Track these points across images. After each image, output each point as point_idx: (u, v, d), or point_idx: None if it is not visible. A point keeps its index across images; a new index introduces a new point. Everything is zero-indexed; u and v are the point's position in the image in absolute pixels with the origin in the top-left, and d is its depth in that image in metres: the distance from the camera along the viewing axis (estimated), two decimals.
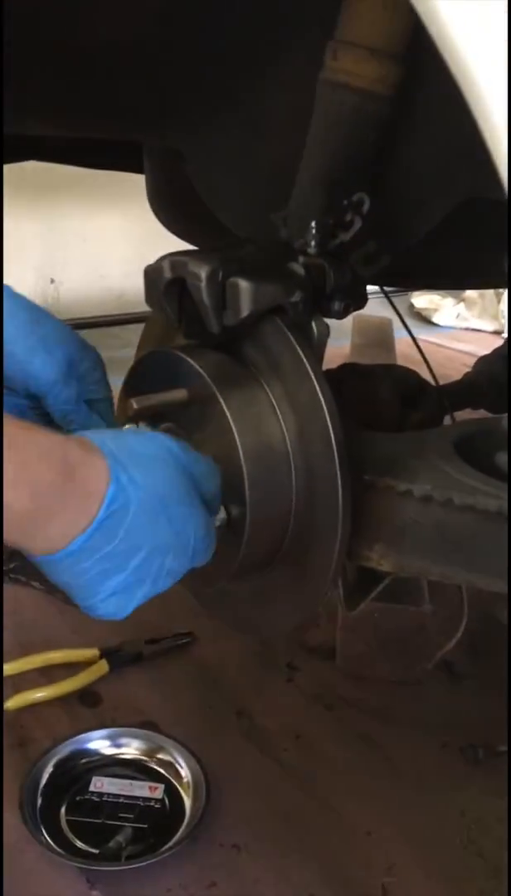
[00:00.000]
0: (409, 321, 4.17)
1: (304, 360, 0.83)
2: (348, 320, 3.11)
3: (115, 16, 1.05)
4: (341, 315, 0.93)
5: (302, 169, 1.02)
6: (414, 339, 1.30)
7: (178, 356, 0.87)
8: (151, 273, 0.90)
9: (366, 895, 1.04)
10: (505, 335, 3.48)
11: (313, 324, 0.87)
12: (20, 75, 1.13)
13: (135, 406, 0.83)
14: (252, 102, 1.11)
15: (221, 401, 0.83)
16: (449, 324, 3.73)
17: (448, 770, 1.23)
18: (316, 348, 0.87)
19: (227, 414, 0.83)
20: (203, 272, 0.83)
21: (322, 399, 0.82)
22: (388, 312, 3.18)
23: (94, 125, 1.23)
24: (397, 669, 1.37)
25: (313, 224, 0.91)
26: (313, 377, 0.82)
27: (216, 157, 1.17)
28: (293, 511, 0.88)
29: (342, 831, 1.13)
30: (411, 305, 3.89)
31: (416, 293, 3.89)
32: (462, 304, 3.75)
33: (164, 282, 0.88)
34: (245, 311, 0.82)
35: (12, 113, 1.22)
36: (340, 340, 3.02)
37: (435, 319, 3.76)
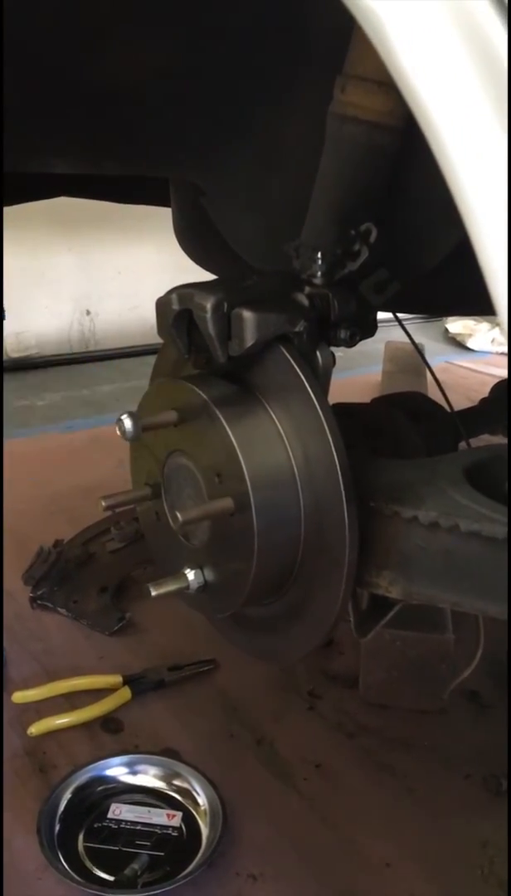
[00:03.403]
0: (444, 346, 4.16)
1: (308, 387, 0.84)
2: (381, 347, 3.13)
3: (129, 56, 1.08)
4: (349, 343, 0.94)
5: (313, 200, 1.03)
6: (428, 365, 1.29)
7: (185, 385, 0.89)
8: (161, 305, 0.92)
9: None
10: None
11: (318, 352, 0.88)
12: (42, 116, 1.17)
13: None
14: (264, 136, 1.13)
15: (227, 428, 0.85)
16: (484, 349, 3.72)
17: (471, 801, 1.21)
18: (321, 376, 0.88)
19: (233, 441, 0.85)
20: (208, 303, 0.85)
21: (326, 426, 0.83)
22: (419, 339, 3.18)
23: (113, 162, 1.27)
24: (420, 698, 1.36)
25: (319, 255, 0.92)
26: (317, 405, 0.83)
27: (230, 190, 1.19)
28: (302, 537, 0.89)
29: (361, 862, 1.11)
30: (446, 331, 3.89)
31: (450, 318, 3.88)
32: (497, 329, 3.73)
33: (172, 313, 0.90)
34: (249, 340, 0.84)
35: (37, 153, 1.27)
36: (372, 367, 3.03)
37: (469, 344, 3.75)
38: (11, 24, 0.98)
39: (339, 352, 0.92)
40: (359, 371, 3.00)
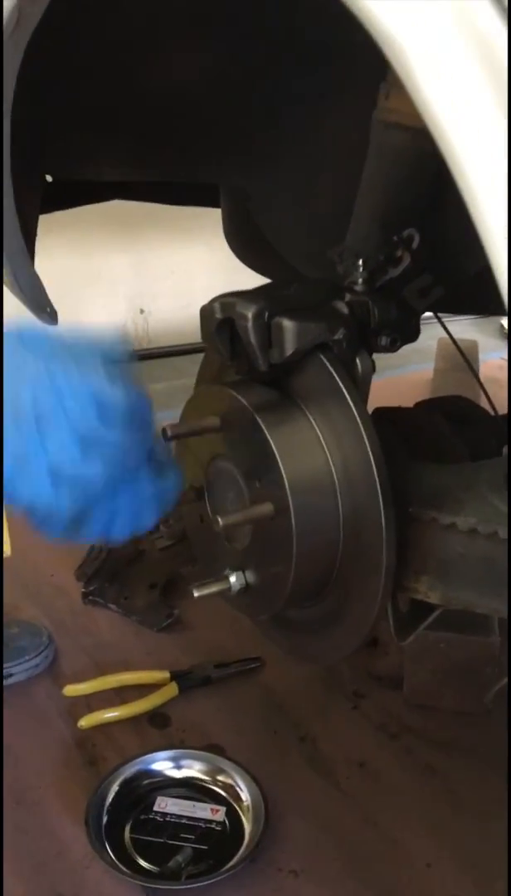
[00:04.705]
0: (499, 343, 4.07)
1: (347, 395, 0.85)
2: (434, 344, 3.11)
3: (177, 66, 1.11)
4: (390, 349, 0.95)
5: (357, 205, 1.04)
6: (472, 368, 1.29)
7: (226, 391, 0.91)
8: (205, 313, 0.94)
9: None
10: None
11: (358, 360, 0.89)
12: (92, 126, 1.20)
13: (168, 433, 0.88)
14: (307, 140, 1.14)
15: (266, 434, 0.86)
16: None
17: None
18: (361, 384, 0.89)
19: (273, 447, 0.86)
20: (249, 312, 0.87)
21: (364, 433, 0.84)
22: (474, 335, 3.13)
23: (159, 169, 1.29)
24: (464, 700, 1.36)
25: (360, 261, 0.93)
26: (355, 412, 0.85)
27: (275, 195, 1.21)
28: (340, 542, 0.90)
29: (402, 861, 1.12)
30: (502, 326, 3.84)
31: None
32: None
33: (215, 321, 0.92)
34: (290, 349, 0.86)
35: (87, 161, 1.30)
36: (425, 364, 3.01)
37: None
38: (65, 35, 1.01)
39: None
40: (411, 368, 2.98)
